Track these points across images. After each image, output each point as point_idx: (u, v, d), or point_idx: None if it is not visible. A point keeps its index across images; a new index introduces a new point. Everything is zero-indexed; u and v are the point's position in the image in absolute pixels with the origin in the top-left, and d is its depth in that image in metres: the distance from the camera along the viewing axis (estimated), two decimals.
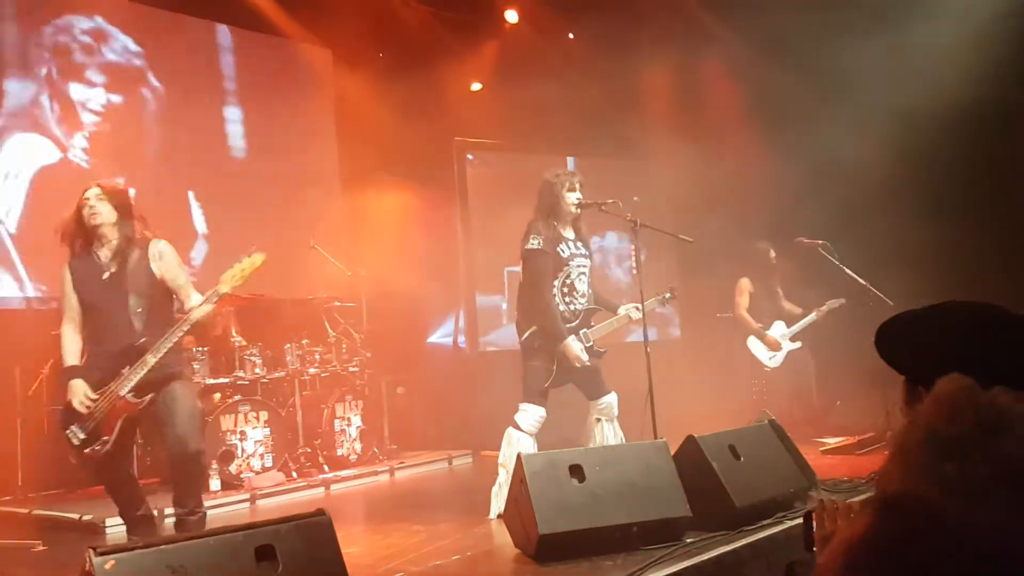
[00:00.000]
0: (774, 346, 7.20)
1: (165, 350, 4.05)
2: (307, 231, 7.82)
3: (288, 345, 6.76)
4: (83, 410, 4.04)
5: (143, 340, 4.08)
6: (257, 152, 8.21)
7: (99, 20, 7.15)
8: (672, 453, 3.98)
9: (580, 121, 8.27)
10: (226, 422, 6.08)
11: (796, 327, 7.23)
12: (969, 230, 6.89)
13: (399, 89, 8.18)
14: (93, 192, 4.20)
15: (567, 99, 8.43)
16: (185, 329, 4.11)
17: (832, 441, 6.32)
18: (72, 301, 4.18)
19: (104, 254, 4.20)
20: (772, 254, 7.44)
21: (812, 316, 7.17)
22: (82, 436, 4.07)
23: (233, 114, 8.09)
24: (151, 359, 4.03)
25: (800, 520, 3.73)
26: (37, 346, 6.13)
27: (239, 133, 8.12)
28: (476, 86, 9.04)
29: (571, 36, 9.16)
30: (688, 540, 3.69)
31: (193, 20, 7.77)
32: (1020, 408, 0.87)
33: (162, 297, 4.28)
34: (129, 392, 4.03)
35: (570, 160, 8.60)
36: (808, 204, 7.24)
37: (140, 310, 4.15)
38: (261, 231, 8.05)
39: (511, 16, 8.78)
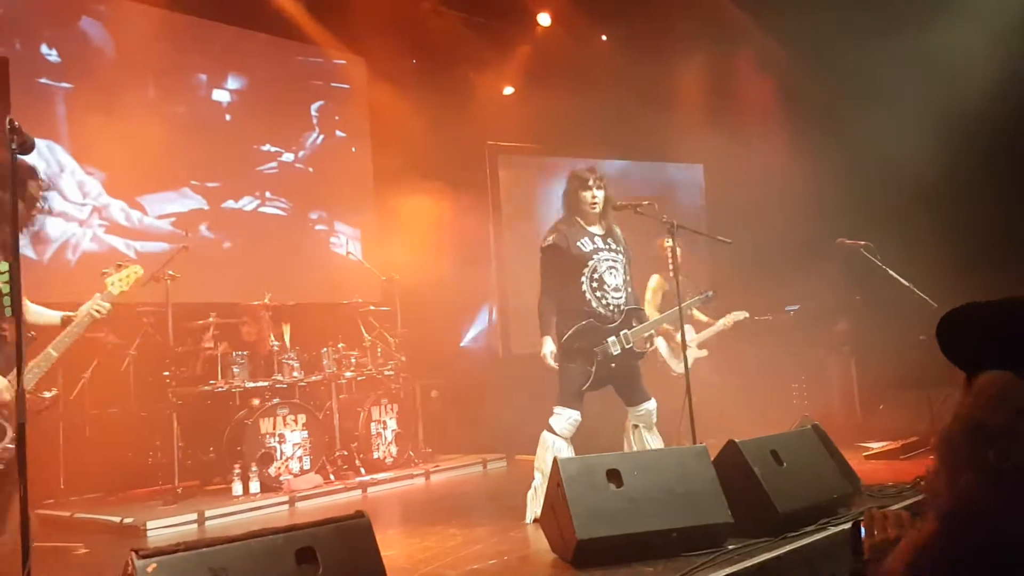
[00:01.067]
0: (679, 351, 6.51)
1: (65, 346, 3.77)
2: (343, 236, 7.88)
3: (324, 349, 6.81)
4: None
5: (32, 335, 3.77)
6: (292, 159, 8.28)
7: None
8: (712, 458, 3.92)
9: (613, 124, 8.23)
10: (265, 425, 6.13)
11: (704, 334, 6.85)
12: (1015, 225, 6.74)
13: (432, 95, 8.22)
14: None
15: (600, 102, 8.40)
16: (83, 328, 3.84)
17: (876, 446, 6.20)
18: None
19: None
20: (678, 252, 7.05)
21: (719, 325, 6.84)
22: None
23: (269, 121, 8.16)
24: (54, 354, 3.74)
25: (845, 526, 3.68)
26: (78, 351, 6.21)
27: (274, 139, 8.18)
28: (508, 90, 9.05)
29: (604, 38, 9.12)
30: (730, 547, 3.63)
31: (227, 28, 7.85)
32: None
33: None
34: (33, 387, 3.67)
35: (611, 163, 8.56)
36: (848, 204, 7.13)
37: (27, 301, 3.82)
38: (296, 236, 8.15)
39: (543, 19, 8.77)
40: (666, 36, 8.60)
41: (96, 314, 3.86)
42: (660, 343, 6.65)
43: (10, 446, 3.57)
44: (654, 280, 6.79)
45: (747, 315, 6.78)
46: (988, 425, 0.86)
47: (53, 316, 3.94)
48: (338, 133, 8.71)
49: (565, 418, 4.63)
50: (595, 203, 4.77)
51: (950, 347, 1.40)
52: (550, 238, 4.78)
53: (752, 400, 6.98)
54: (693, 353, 6.70)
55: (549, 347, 4.71)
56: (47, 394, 3.76)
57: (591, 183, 4.79)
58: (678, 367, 6.59)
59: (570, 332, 4.67)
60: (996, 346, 1.33)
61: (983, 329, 1.39)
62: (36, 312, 3.94)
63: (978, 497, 0.83)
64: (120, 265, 4.09)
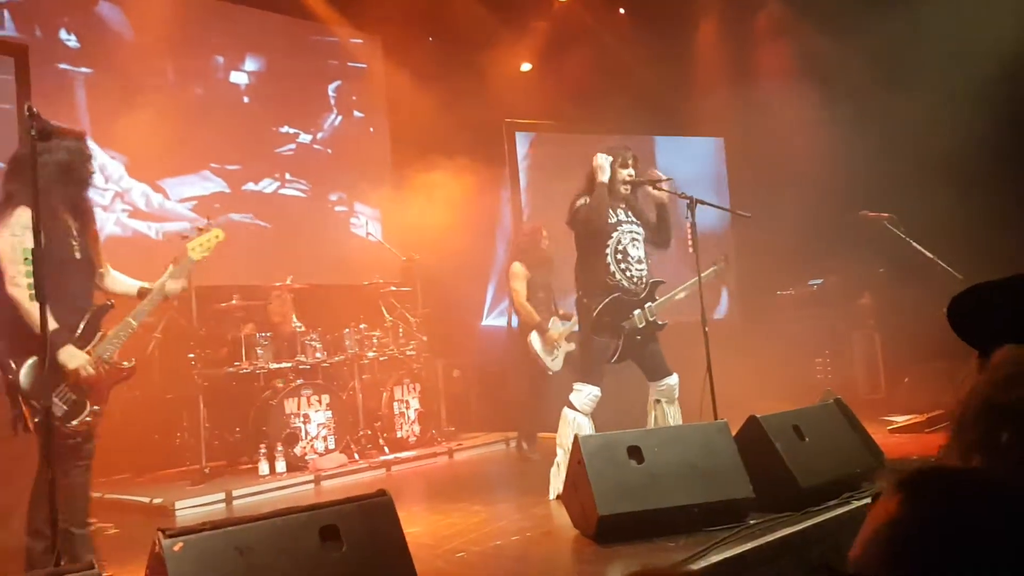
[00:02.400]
0: (551, 344, 6.44)
1: (144, 314, 3.82)
2: (362, 217, 7.90)
3: (347, 330, 6.85)
4: (87, 374, 3.55)
5: (111, 302, 3.82)
6: (310, 141, 8.29)
7: None
8: (734, 434, 3.91)
9: (631, 99, 8.15)
10: (290, 405, 6.19)
11: (572, 325, 6.20)
12: None
13: (449, 73, 8.18)
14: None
15: (618, 77, 8.33)
16: (161, 297, 3.88)
17: (901, 419, 6.15)
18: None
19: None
20: (546, 239, 6.65)
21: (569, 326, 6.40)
22: (65, 407, 3.55)
23: (286, 103, 8.17)
24: (134, 322, 3.75)
25: (868, 500, 3.67)
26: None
27: (292, 121, 8.20)
28: (526, 67, 8.98)
29: (621, 11, 9.02)
30: (751, 522, 3.63)
31: (243, 10, 7.85)
32: None
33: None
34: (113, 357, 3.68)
35: (630, 138, 8.50)
36: (871, 176, 7.03)
37: (100, 271, 3.89)
38: (316, 218, 8.18)
39: None
40: (684, 9, 8.49)
41: (170, 287, 3.87)
42: (533, 337, 6.41)
43: (88, 419, 3.61)
44: (519, 268, 6.51)
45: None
46: (1003, 405, 0.85)
47: (131, 286, 3.95)
48: (355, 113, 8.70)
49: (585, 394, 4.64)
50: (630, 181, 4.75)
51: (961, 326, 1.39)
52: (582, 200, 4.74)
53: (775, 375, 6.94)
54: (563, 346, 6.46)
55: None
56: (126, 363, 3.76)
57: (629, 161, 4.78)
58: (552, 363, 6.41)
59: (600, 306, 4.66)
60: (1007, 323, 1.32)
61: (993, 307, 1.38)
62: (116, 280, 3.96)
63: (984, 476, 0.82)
64: (200, 229, 4.05)
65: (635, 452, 3.70)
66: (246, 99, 7.93)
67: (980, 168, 6.78)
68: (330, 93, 8.49)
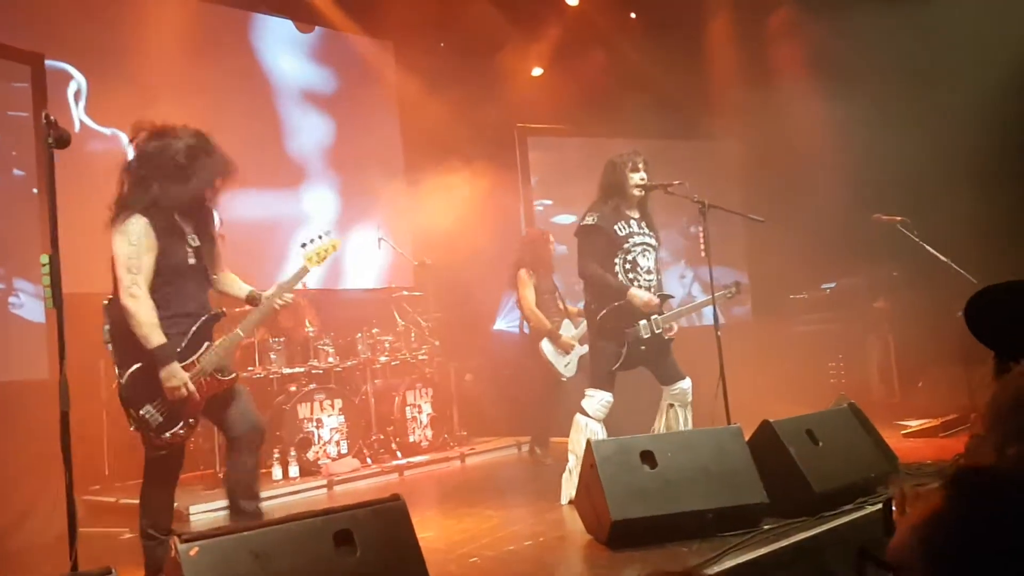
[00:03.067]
0: (567, 349, 6.39)
1: (253, 325, 3.78)
2: (374, 222, 7.91)
3: (359, 334, 6.87)
4: (186, 393, 3.50)
5: (222, 310, 3.75)
6: (322, 145, 8.33)
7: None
8: (747, 438, 3.90)
9: (643, 103, 8.15)
10: (303, 410, 6.22)
11: (583, 328, 6.21)
12: None
13: (461, 77, 8.20)
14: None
15: (629, 81, 8.33)
16: (278, 305, 3.78)
17: (914, 423, 6.12)
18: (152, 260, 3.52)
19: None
20: (553, 242, 6.63)
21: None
22: (160, 418, 3.54)
23: (299, 108, 8.21)
24: (241, 334, 3.71)
25: (881, 505, 3.65)
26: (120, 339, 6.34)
27: (306, 126, 8.23)
28: (537, 71, 8.99)
29: (632, 16, 9.02)
30: (765, 527, 3.62)
31: (252, 16, 7.89)
32: None
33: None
34: (214, 369, 3.62)
35: (641, 142, 8.50)
36: (885, 179, 7.00)
37: (215, 275, 3.81)
38: (327, 223, 8.21)
39: None
40: (695, 12, 8.48)
41: (278, 304, 3.79)
42: (545, 344, 6.36)
43: (180, 432, 3.59)
44: (524, 275, 6.46)
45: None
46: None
47: (241, 289, 3.89)
48: (367, 119, 8.73)
49: (598, 400, 4.64)
50: (641, 184, 4.75)
51: (979, 327, 1.39)
52: (589, 218, 4.75)
53: (789, 379, 6.91)
54: (578, 350, 6.38)
55: (642, 293, 4.64)
56: (224, 376, 3.66)
57: (640, 164, 4.77)
58: (565, 370, 6.36)
59: (604, 312, 4.67)
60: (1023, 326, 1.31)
61: (1010, 309, 1.37)
62: (227, 281, 3.89)
63: (1005, 475, 0.82)
64: (320, 236, 3.95)
65: (648, 457, 3.70)
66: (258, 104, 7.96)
67: (998, 171, 6.74)
68: (341, 98, 8.51)
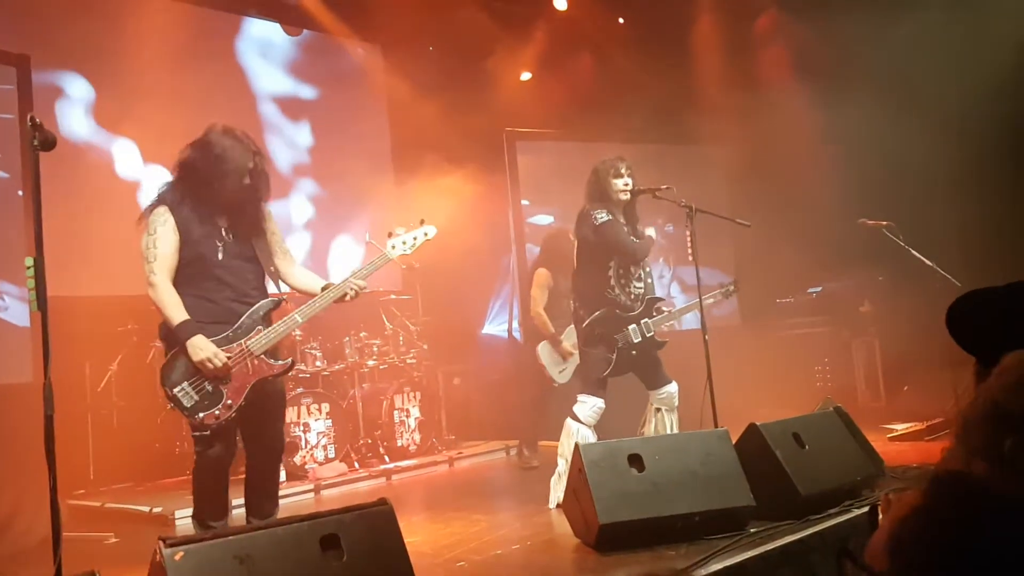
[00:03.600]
0: (566, 356, 6.24)
1: (315, 310, 3.73)
2: (362, 225, 7.90)
3: (347, 338, 6.85)
4: (213, 366, 3.47)
5: (282, 298, 3.79)
6: (311, 148, 8.31)
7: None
8: (734, 442, 3.92)
9: (631, 107, 8.17)
10: (290, 414, 6.18)
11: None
12: None
13: (450, 81, 8.20)
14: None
15: (618, 86, 8.35)
16: (350, 294, 3.76)
17: (901, 427, 6.15)
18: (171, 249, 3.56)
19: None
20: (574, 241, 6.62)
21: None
22: (196, 397, 3.51)
23: (287, 111, 8.18)
24: (299, 319, 3.69)
25: (867, 509, 3.66)
26: (104, 343, 6.32)
27: (295, 130, 8.22)
28: (526, 76, 9.01)
29: (621, 21, 9.05)
30: (752, 530, 3.63)
31: (240, 19, 7.87)
32: None
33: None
34: (264, 352, 3.59)
35: (630, 147, 8.52)
36: (870, 185, 7.05)
37: (270, 267, 3.78)
38: (316, 227, 8.19)
39: (560, 3, 8.70)
40: (683, 18, 8.52)
41: (351, 292, 3.77)
42: (542, 348, 6.27)
43: (217, 413, 3.53)
44: (543, 275, 6.35)
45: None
46: (1009, 411, 0.85)
47: (314, 284, 3.89)
48: (355, 122, 8.71)
49: (589, 406, 4.65)
50: (626, 190, 4.75)
51: (960, 333, 1.39)
52: (601, 214, 4.68)
53: (776, 382, 6.94)
54: (575, 360, 6.11)
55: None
56: (276, 361, 3.65)
57: (623, 170, 4.77)
58: (560, 376, 6.25)
59: (592, 318, 4.68)
60: (1007, 330, 1.32)
61: (992, 314, 1.38)
62: (297, 276, 3.91)
63: (989, 483, 0.83)
64: (407, 226, 3.93)
65: (636, 460, 3.71)
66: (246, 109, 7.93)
67: (982, 175, 6.80)
68: (330, 102, 8.49)
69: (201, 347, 3.47)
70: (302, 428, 6.23)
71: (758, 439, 3.91)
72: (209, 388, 3.52)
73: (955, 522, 0.81)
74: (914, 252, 6.10)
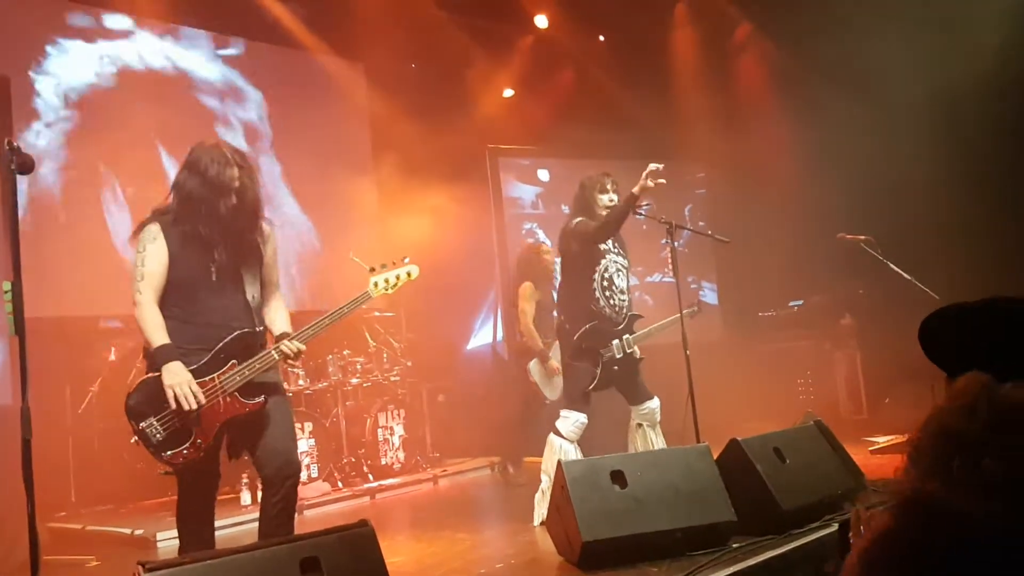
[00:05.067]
0: (553, 372, 6.18)
1: (291, 349, 3.46)
2: (345, 243, 7.89)
3: (330, 356, 6.83)
4: (187, 404, 3.25)
5: (260, 329, 3.53)
6: (294, 166, 8.30)
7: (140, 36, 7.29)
8: (715, 457, 3.94)
9: (612, 124, 8.25)
10: None
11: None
12: (1017, 217, 6.71)
13: (432, 99, 8.24)
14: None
15: (599, 103, 8.42)
16: (325, 325, 3.54)
17: (882, 440, 6.19)
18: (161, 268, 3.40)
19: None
20: (547, 253, 6.42)
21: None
22: (163, 434, 3.30)
23: (270, 129, 8.19)
24: (275, 356, 3.43)
25: (837, 527, 3.69)
26: (85, 365, 6.27)
27: (277, 147, 8.22)
28: (508, 92, 9.06)
29: (601, 39, 9.14)
30: (734, 545, 3.65)
31: (225, 39, 7.88)
32: None
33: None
34: (237, 390, 3.37)
35: (611, 163, 8.56)
36: (850, 199, 7.12)
37: (254, 295, 3.56)
38: (299, 244, 8.18)
39: (541, 22, 8.78)
40: (663, 36, 8.61)
41: (286, 352, 3.46)
42: (533, 366, 6.26)
43: (185, 452, 3.33)
44: (528, 288, 6.31)
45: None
46: (958, 433, 0.87)
47: (277, 328, 3.63)
48: (338, 140, 8.72)
49: (572, 421, 4.65)
50: (610, 206, 4.78)
51: (932, 349, 1.41)
52: (578, 218, 4.73)
53: (758, 396, 6.97)
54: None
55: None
56: (248, 400, 3.41)
57: (609, 186, 4.81)
58: (551, 392, 6.23)
59: (580, 332, 4.70)
60: (977, 348, 1.34)
61: (963, 330, 1.40)
62: (270, 313, 3.65)
63: (939, 505, 0.84)
64: (391, 264, 3.74)
65: (618, 477, 3.72)
66: (223, 126, 7.93)
67: (961, 191, 6.87)
68: (312, 119, 8.50)
69: (176, 373, 3.25)
70: None
71: (739, 454, 3.93)
72: (178, 425, 3.32)
73: (924, 547, 0.82)
74: (892, 265, 6.16)
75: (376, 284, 3.71)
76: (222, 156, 3.46)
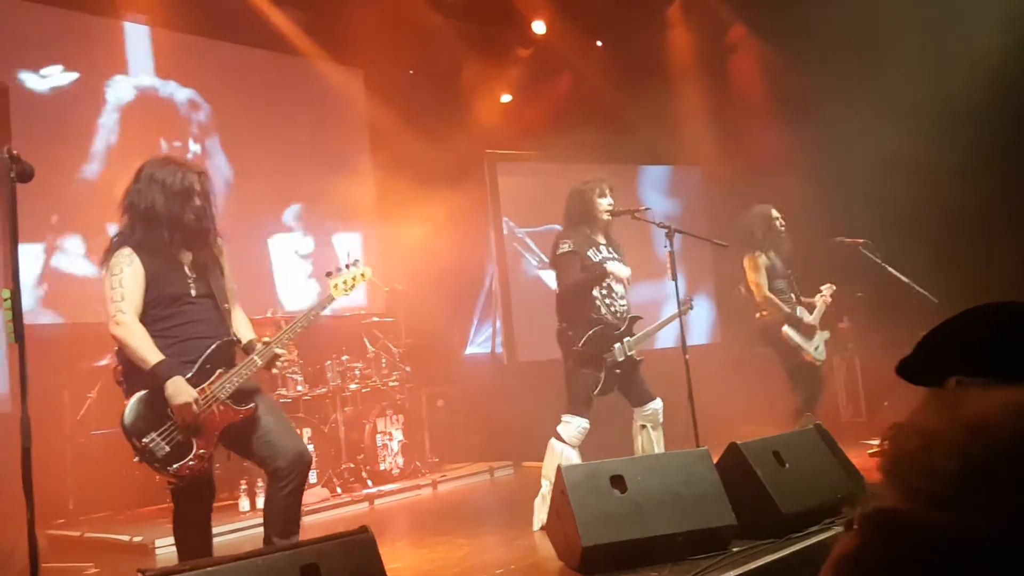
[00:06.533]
0: (810, 333, 5.99)
1: (271, 353, 3.54)
2: (344, 248, 7.90)
3: (328, 362, 6.82)
4: (186, 415, 3.31)
5: (236, 339, 3.62)
6: (293, 173, 8.31)
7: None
8: (715, 461, 3.94)
9: (610, 129, 8.26)
10: None
11: (818, 313, 6.09)
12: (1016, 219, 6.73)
13: (430, 104, 8.25)
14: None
15: (596, 107, 8.44)
16: (297, 332, 3.65)
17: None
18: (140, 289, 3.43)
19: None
20: (779, 220, 6.17)
21: (824, 298, 6.10)
22: (167, 448, 3.32)
23: (271, 135, 8.19)
24: (259, 361, 3.51)
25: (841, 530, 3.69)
26: (83, 372, 6.26)
27: (276, 154, 8.22)
28: (506, 98, 9.08)
29: (599, 44, 9.16)
30: (735, 549, 3.65)
31: (222, 44, 7.89)
32: (1007, 404, 0.87)
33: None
34: (229, 397, 3.43)
35: (608, 167, 8.56)
36: (848, 202, 7.13)
37: (226, 305, 3.63)
38: (296, 248, 8.18)
39: (538, 27, 8.80)
40: (660, 40, 8.63)
41: (278, 354, 3.57)
42: (789, 330, 5.90)
43: (192, 463, 3.35)
44: (758, 258, 6.02)
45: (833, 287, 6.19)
46: (929, 431, 0.88)
47: (242, 336, 3.69)
48: (337, 146, 8.73)
49: (575, 426, 4.66)
50: (609, 210, 4.80)
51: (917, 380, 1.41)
52: (565, 245, 4.78)
53: (757, 399, 6.97)
54: (820, 335, 6.05)
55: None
56: (242, 406, 3.46)
57: (606, 191, 4.84)
58: (816, 353, 5.98)
59: (585, 337, 4.71)
60: (951, 355, 1.34)
61: (945, 348, 1.40)
62: (235, 323, 3.70)
63: (908, 503, 0.85)
64: (344, 267, 3.82)
65: (618, 481, 3.72)
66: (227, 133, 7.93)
67: (957, 193, 6.88)
68: (311, 126, 8.50)
69: (183, 390, 3.28)
70: None
71: (739, 458, 3.93)
72: (180, 438, 3.34)
73: (890, 562, 0.82)
74: (890, 269, 6.17)
75: (336, 286, 3.79)
76: (177, 165, 3.52)
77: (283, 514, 3.43)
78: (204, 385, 3.38)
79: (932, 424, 0.87)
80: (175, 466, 3.32)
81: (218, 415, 3.40)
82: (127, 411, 3.33)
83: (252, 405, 3.47)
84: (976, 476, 0.82)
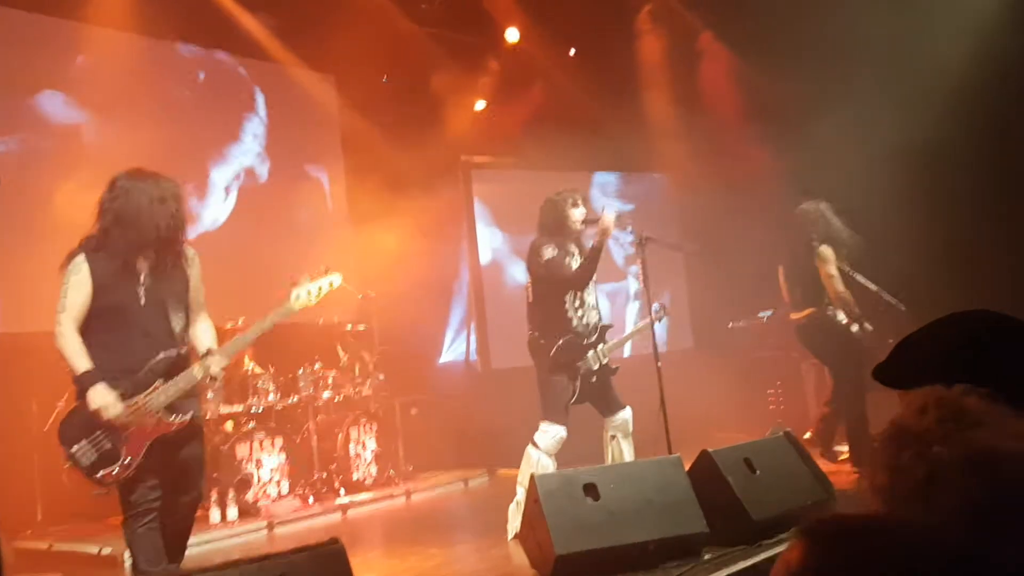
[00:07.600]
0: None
1: (212, 368, 3.59)
2: (317, 255, 7.85)
3: (301, 370, 6.77)
4: (108, 416, 3.37)
5: (184, 350, 3.62)
6: (266, 179, 8.26)
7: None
8: (687, 468, 3.96)
9: (583, 136, 8.29)
10: (241, 450, 6.09)
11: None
12: (988, 227, 6.81)
13: (404, 111, 8.25)
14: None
15: (570, 115, 8.47)
16: (249, 341, 3.73)
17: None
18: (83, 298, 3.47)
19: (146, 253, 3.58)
20: (832, 215, 5.83)
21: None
22: (95, 455, 3.41)
23: (244, 141, 8.14)
24: (197, 375, 3.56)
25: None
26: (52, 380, 6.16)
27: (249, 160, 8.16)
28: (480, 105, 9.09)
29: (572, 52, 9.20)
30: (706, 556, 3.67)
31: (193, 49, 7.83)
32: (986, 408, 0.91)
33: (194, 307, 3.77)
34: (163, 409, 3.49)
35: (581, 175, 8.60)
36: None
37: (180, 317, 3.64)
38: (271, 256, 8.12)
39: (512, 35, 8.82)
40: (632, 49, 8.69)
41: (250, 336, 3.75)
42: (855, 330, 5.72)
43: (115, 471, 3.41)
44: (828, 252, 5.73)
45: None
46: (910, 430, 0.92)
47: (201, 344, 3.72)
48: (309, 153, 8.69)
49: (551, 435, 4.66)
50: (584, 219, 4.82)
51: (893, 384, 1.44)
52: (549, 250, 4.76)
53: (728, 406, 7.02)
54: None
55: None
56: (173, 418, 3.52)
57: (579, 201, 4.86)
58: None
59: (557, 346, 4.71)
60: (929, 364, 1.37)
61: (919, 359, 1.44)
62: (196, 333, 3.75)
63: (888, 496, 0.88)
64: (311, 275, 3.80)
65: (591, 489, 3.73)
66: (195, 140, 7.86)
67: (931, 203, 6.97)
68: (282, 132, 8.46)
69: (100, 394, 3.36)
70: (255, 464, 6.13)
71: (710, 465, 3.96)
72: (108, 445, 3.42)
73: (837, 570, 0.85)
74: (859, 277, 6.23)
75: (298, 296, 3.77)
76: (151, 174, 3.58)
77: (176, 542, 3.57)
78: (139, 396, 3.44)
79: (915, 417, 0.90)
80: (100, 473, 3.41)
81: (150, 427, 3.46)
82: (64, 420, 3.47)
83: (187, 418, 3.54)
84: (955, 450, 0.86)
